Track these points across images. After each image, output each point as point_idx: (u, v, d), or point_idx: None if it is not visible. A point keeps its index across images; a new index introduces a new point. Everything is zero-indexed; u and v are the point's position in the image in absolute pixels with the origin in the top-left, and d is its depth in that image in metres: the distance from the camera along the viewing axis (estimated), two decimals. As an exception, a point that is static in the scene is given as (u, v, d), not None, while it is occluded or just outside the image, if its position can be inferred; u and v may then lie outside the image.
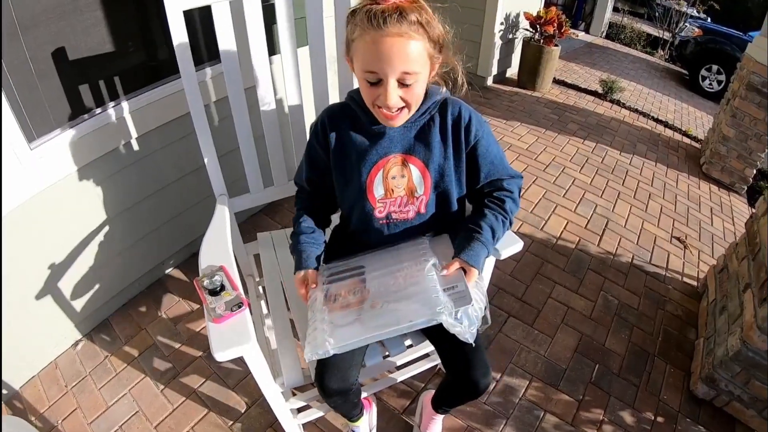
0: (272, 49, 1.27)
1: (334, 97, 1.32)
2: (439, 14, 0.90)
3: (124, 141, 1.66)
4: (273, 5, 1.22)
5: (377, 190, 1.05)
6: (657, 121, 4.68)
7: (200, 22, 1.43)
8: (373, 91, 0.90)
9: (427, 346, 1.29)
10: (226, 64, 1.19)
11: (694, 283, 2.44)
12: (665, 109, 5.30)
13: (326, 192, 1.15)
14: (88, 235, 1.68)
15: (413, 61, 0.86)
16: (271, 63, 1.31)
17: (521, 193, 1.15)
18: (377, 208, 1.07)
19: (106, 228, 1.74)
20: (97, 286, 1.80)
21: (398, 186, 1.05)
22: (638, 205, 3.05)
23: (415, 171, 1.04)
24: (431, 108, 1.01)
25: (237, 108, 1.26)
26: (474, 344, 0.98)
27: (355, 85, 1.07)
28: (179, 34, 1.07)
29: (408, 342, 1.20)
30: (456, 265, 0.99)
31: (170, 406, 1.60)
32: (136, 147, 1.72)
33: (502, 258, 1.12)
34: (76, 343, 1.81)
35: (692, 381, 1.83)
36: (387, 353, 1.17)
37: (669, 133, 4.50)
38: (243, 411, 1.58)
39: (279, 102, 1.33)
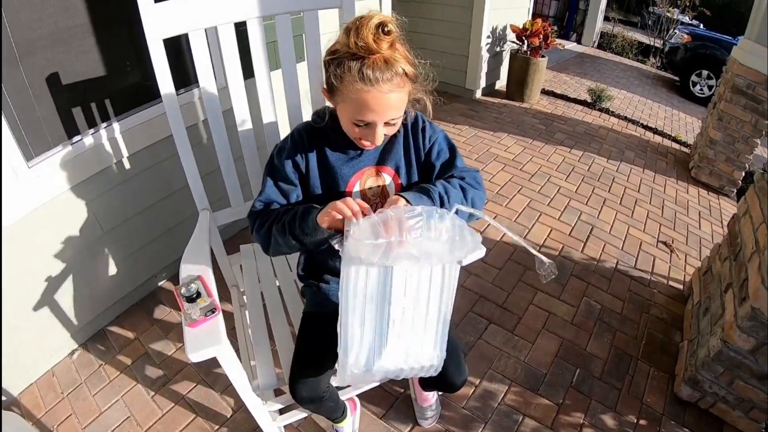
0: (250, 72, 1.35)
1: (307, 115, 1.39)
2: (406, 43, 0.96)
3: (116, 160, 1.75)
4: (246, 31, 1.30)
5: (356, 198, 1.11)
6: (646, 128, 4.73)
7: (188, 45, 1.52)
8: (361, 130, 0.97)
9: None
10: (203, 88, 1.27)
11: (680, 287, 2.46)
12: (655, 116, 5.36)
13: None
14: (83, 249, 1.76)
15: (399, 108, 0.95)
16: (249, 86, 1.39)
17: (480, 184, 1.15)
18: None
19: (101, 242, 1.82)
20: (92, 298, 1.88)
21: (374, 194, 1.13)
22: (624, 211, 3.09)
23: (387, 178, 1.12)
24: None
25: (216, 129, 1.33)
26: (450, 345, 1.03)
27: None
28: (160, 62, 1.14)
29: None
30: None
31: (160, 412, 1.66)
32: (127, 165, 1.81)
33: (464, 264, 1.17)
34: (72, 353, 1.88)
35: (676, 383, 1.84)
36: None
37: (658, 139, 4.55)
38: (228, 416, 1.64)
39: (255, 122, 1.40)
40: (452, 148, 1.16)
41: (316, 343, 1.17)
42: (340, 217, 0.89)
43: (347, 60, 0.88)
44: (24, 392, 1.74)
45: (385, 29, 0.86)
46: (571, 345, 2.00)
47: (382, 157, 1.11)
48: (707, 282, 2.13)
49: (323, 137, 1.09)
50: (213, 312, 0.95)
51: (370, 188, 1.12)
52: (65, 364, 1.84)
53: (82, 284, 1.81)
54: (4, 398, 1.69)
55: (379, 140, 0.99)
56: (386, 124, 0.96)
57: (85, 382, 1.78)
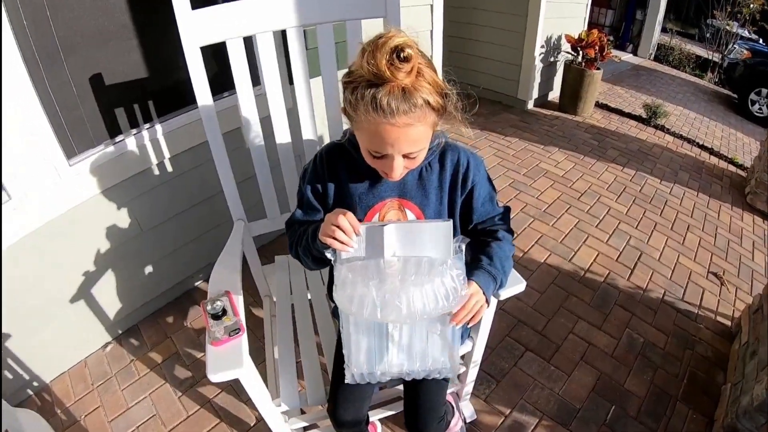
0: (290, 79, 1.33)
1: (347, 123, 1.35)
2: (433, 67, 0.85)
3: (157, 161, 1.77)
4: (285, 38, 1.27)
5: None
6: (702, 147, 4.49)
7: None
8: (378, 161, 0.90)
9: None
10: (240, 95, 1.25)
11: (728, 323, 2.30)
12: (711, 135, 5.09)
13: None
14: (120, 246, 1.79)
15: (419, 141, 0.86)
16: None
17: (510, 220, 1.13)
18: None
19: (139, 241, 1.85)
20: (128, 294, 1.91)
21: None
22: (675, 237, 2.92)
23: (410, 216, 1.04)
24: (429, 155, 0.99)
25: (252, 137, 1.31)
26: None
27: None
28: (196, 69, 1.13)
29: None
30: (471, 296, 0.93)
31: (185, 413, 1.67)
32: (168, 167, 1.83)
33: (502, 299, 1.12)
34: (105, 345, 1.92)
35: (714, 429, 1.73)
36: (384, 385, 1.19)
37: (714, 160, 4.31)
38: (252, 424, 1.62)
39: (294, 131, 1.38)
40: (493, 189, 1.08)
41: None
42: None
43: (361, 86, 0.79)
44: (56, 380, 1.79)
45: (402, 55, 0.75)
46: (608, 380, 1.89)
47: (408, 191, 1.02)
48: (757, 322, 1.99)
49: (345, 162, 1.02)
50: (237, 332, 0.93)
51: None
52: (98, 356, 1.88)
53: (119, 280, 1.84)
54: (35, 384, 1.74)
55: (398, 174, 0.89)
56: (406, 156, 0.88)
57: (116, 375, 1.81)
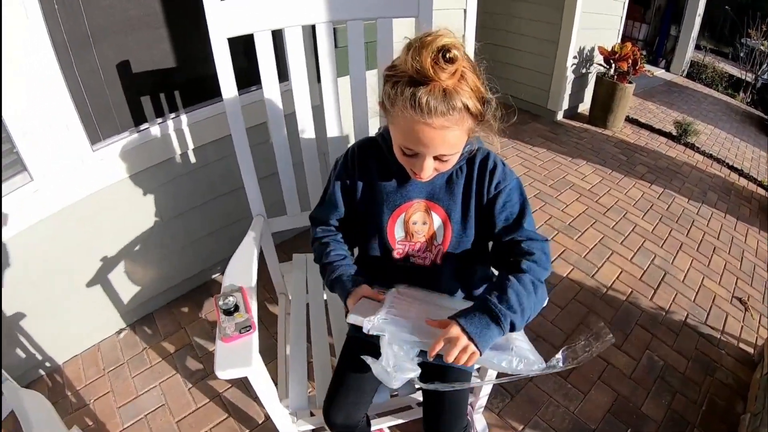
0: (318, 77, 1.31)
1: (375, 126, 1.33)
2: (482, 72, 0.84)
3: (181, 151, 1.77)
4: (315, 35, 1.26)
5: (398, 233, 1.03)
6: (731, 168, 4.37)
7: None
8: (409, 159, 0.88)
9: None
10: (266, 90, 1.23)
11: (751, 350, 2.23)
12: (742, 156, 4.94)
13: (348, 226, 1.14)
14: (140, 235, 1.80)
15: (453, 145, 0.84)
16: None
17: (552, 260, 1.03)
18: (396, 249, 1.05)
19: (159, 230, 1.85)
20: (145, 282, 1.91)
21: (418, 232, 1.03)
22: (701, 258, 2.83)
23: (437, 219, 1.01)
24: (460, 159, 0.97)
25: (276, 133, 1.30)
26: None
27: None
28: (223, 61, 1.12)
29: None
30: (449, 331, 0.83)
31: (194, 405, 1.66)
32: (192, 158, 1.83)
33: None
34: (119, 331, 1.93)
35: (733, 459, 1.66)
36: (396, 392, 1.16)
37: (743, 182, 4.19)
38: (260, 422, 1.61)
39: (320, 129, 1.36)
40: (523, 204, 0.98)
41: (356, 370, 1.10)
42: None
43: (403, 81, 0.78)
44: (69, 362, 1.81)
45: (448, 56, 0.74)
46: (625, 402, 1.83)
47: (436, 193, 1.00)
48: (780, 352, 1.91)
49: (377, 158, 1.02)
50: (248, 329, 0.91)
51: (415, 223, 1.02)
52: (111, 341, 1.90)
53: (136, 267, 1.85)
54: (47, 364, 1.76)
55: (427, 174, 0.88)
56: (437, 158, 0.86)
57: (128, 362, 1.82)
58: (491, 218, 0.99)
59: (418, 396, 1.28)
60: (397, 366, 0.82)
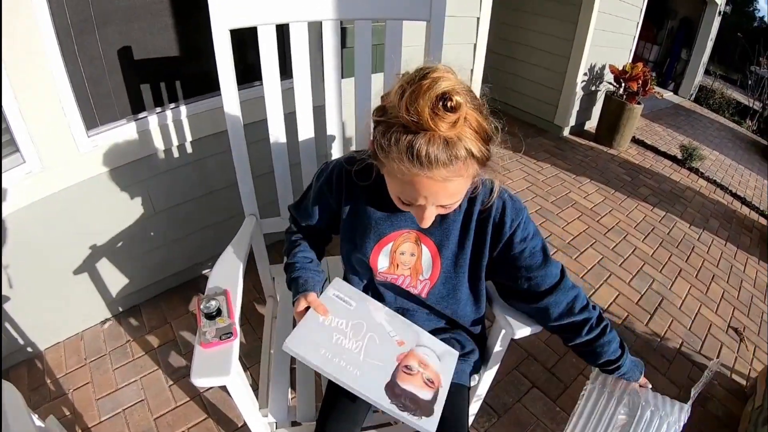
0: (322, 76, 1.28)
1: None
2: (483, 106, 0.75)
3: (178, 143, 1.73)
4: (321, 33, 1.22)
5: (381, 262, 0.97)
6: (734, 196, 4.35)
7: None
8: (407, 207, 0.82)
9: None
10: (267, 86, 1.20)
11: (743, 382, 2.19)
12: (745, 185, 4.93)
13: (326, 232, 1.12)
14: (131, 225, 1.76)
15: (457, 194, 0.77)
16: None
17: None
18: (378, 277, 1.00)
19: (151, 221, 1.81)
20: (134, 273, 1.88)
21: (404, 263, 0.97)
22: (699, 286, 2.80)
23: (426, 252, 0.95)
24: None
25: (274, 131, 1.26)
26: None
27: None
28: (223, 54, 1.08)
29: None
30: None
31: (174, 403, 1.62)
32: (189, 150, 1.79)
33: (517, 338, 1.04)
34: (104, 322, 1.89)
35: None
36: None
37: (745, 210, 4.17)
38: (239, 426, 1.57)
39: (320, 130, 1.32)
40: (545, 252, 0.93)
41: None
42: None
43: (396, 128, 0.69)
44: (50, 349, 1.77)
45: (449, 105, 0.65)
46: (615, 428, 1.79)
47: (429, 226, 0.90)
48: (773, 386, 1.86)
49: (364, 188, 0.92)
50: (229, 336, 0.86)
51: (403, 254, 0.96)
52: (95, 331, 1.86)
53: (125, 258, 1.81)
54: (29, 349, 1.72)
55: (427, 223, 0.81)
56: (440, 206, 0.79)
57: (110, 354, 1.78)
58: (510, 264, 0.93)
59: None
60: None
